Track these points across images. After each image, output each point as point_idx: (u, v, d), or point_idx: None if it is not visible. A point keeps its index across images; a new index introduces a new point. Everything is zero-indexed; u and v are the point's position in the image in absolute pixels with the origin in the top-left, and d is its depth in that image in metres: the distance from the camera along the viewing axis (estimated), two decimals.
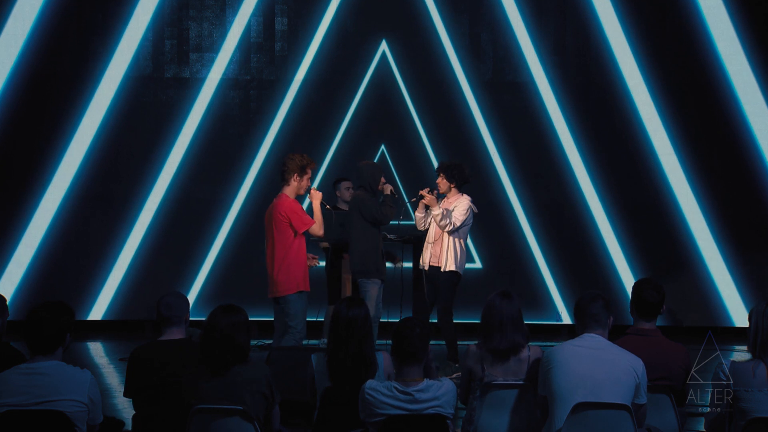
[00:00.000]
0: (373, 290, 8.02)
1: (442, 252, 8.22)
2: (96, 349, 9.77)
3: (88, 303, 10.46)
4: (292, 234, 7.43)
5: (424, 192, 8.25)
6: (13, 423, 4.21)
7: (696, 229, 10.74)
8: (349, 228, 8.12)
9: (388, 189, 8.14)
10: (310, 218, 7.52)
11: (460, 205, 8.26)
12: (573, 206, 10.81)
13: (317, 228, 7.53)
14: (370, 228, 8.05)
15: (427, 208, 8.32)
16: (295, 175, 7.49)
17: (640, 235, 10.76)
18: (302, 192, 7.59)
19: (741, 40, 10.69)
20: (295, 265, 7.47)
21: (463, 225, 8.26)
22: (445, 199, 8.34)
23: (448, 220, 8.18)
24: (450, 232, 8.22)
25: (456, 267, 8.25)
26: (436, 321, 8.37)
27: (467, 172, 8.41)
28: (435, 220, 8.23)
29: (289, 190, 7.53)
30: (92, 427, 4.39)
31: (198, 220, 10.62)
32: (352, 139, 10.81)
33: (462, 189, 8.38)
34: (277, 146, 10.65)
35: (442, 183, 8.32)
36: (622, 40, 10.75)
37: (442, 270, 8.23)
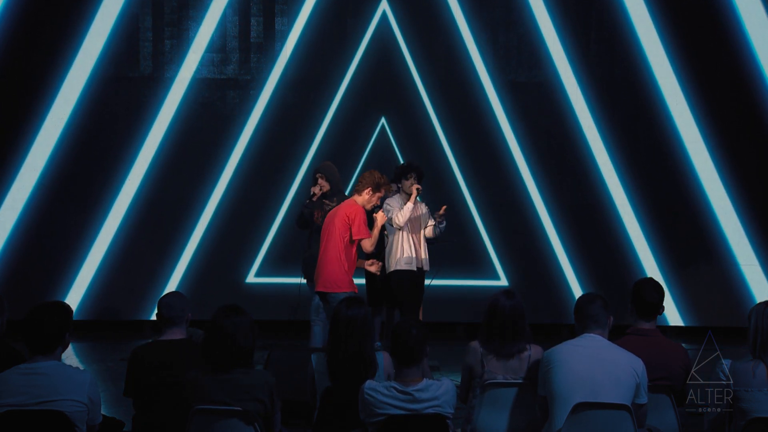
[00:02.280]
0: None
1: (423, 251, 8.20)
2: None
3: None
4: (349, 237, 7.43)
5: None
6: (13, 423, 4.21)
7: (729, 231, 10.36)
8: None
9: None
10: (369, 232, 7.53)
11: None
12: (600, 208, 10.35)
13: (369, 244, 7.53)
14: None
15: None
16: (369, 188, 7.53)
17: (671, 238, 10.37)
18: (368, 207, 7.62)
19: None
20: (352, 266, 7.48)
21: None
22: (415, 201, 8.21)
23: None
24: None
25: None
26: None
27: None
28: (439, 227, 8.21)
29: (360, 200, 7.56)
30: (92, 428, 4.40)
31: (180, 219, 10.34)
32: (348, 111, 10.28)
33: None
34: (273, 135, 10.34)
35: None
36: (653, 34, 10.29)
37: (423, 269, 8.21)
